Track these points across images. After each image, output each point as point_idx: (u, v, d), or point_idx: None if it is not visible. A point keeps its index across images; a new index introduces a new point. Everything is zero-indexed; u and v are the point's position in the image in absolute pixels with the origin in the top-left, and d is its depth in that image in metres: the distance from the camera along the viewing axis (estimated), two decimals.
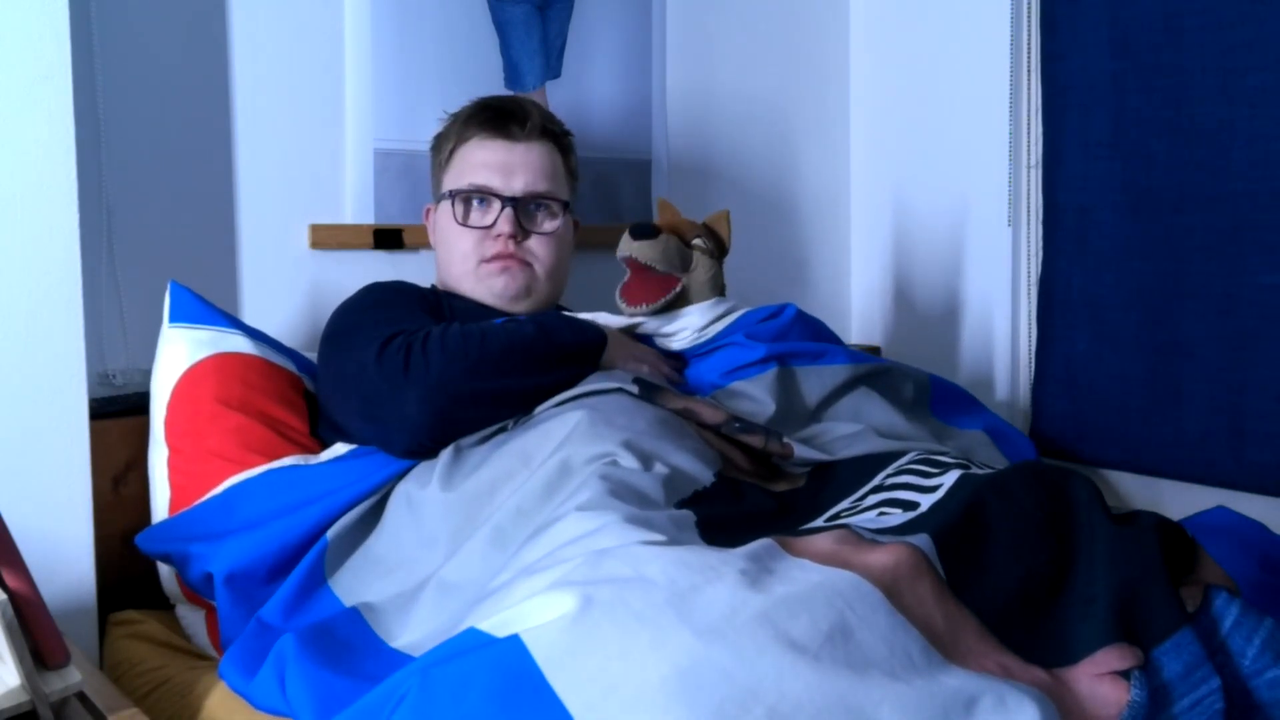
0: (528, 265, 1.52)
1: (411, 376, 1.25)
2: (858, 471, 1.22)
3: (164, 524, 1.31)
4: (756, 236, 2.09)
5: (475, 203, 1.52)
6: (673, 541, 0.93)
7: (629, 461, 1.12)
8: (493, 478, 1.19)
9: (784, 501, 1.21)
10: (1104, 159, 1.85)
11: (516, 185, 1.51)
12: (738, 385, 1.39)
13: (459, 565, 1.11)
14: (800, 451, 1.26)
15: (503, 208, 1.50)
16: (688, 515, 1.06)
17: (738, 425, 1.27)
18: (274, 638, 1.12)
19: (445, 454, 1.25)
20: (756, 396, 1.37)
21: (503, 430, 1.28)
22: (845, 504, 1.15)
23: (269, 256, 1.64)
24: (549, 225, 1.54)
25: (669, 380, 1.40)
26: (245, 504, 1.27)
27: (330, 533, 1.23)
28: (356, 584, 1.20)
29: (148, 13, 1.53)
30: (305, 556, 1.21)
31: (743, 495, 1.18)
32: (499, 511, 1.13)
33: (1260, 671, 0.88)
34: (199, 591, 1.27)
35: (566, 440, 1.16)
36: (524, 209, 1.52)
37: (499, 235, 1.50)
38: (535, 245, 1.53)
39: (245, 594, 1.21)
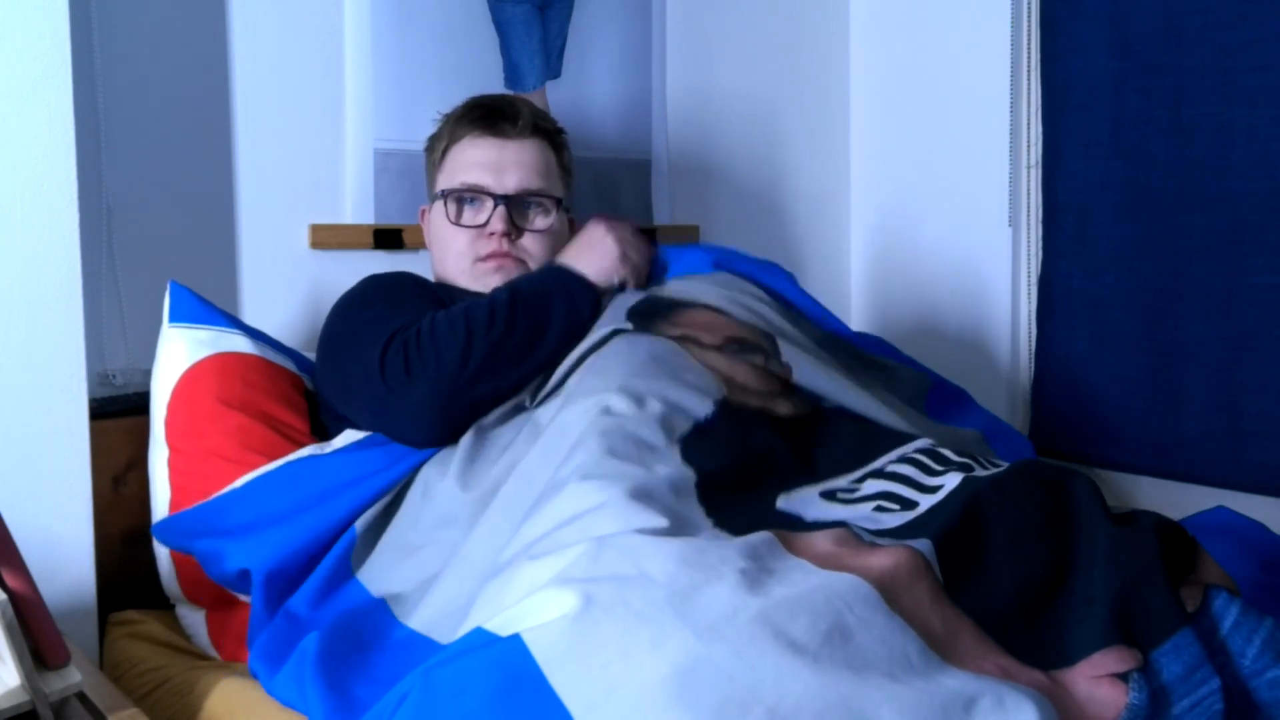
0: (522, 263, 1.51)
1: (414, 377, 1.25)
2: (860, 446, 1.21)
3: (183, 516, 1.30)
4: (755, 236, 2.09)
5: (468, 202, 1.51)
6: (673, 516, 0.94)
7: (624, 406, 1.12)
8: (511, 460, 1.19)
9: (786, 434, 1.20)
10: (1104, 159, 1.85)
11: (509, 183, 1.50)
12: (724, 276, 1.45)
13: (475, 541, 1.11)
14: (800, 376, 1.26)
15: (495, 206, 1.50)
16: (689, 477, 1.05)
17: (735, 347, 1.27)
18: (300, 629, 1.13)
19: (466, 439, 1.25)
20: (751, 290, 1.43)
21: (521, 408, 1.29)
22: (843, 482, 1.14)
23: (269, 256, 1.64)
24: (541, 222, 1.53)
25: (641, 273, 1.45)
26: (268, 497, 1.26)
27: (358, 524, 1.23)
28: (383, 573, 1.20)
29: (148, 13, 1.53)
30: (333, 548, 1.21)
31: (747, 429, 1.17)
32: (506, 483, 1.13)
33: (1260, 672, 0.88)
34: (230, 586, 1.26)
35: (577, 440, 1.16)
36: (517, 207, 1.51)
37: (492, 234, 1.49)
38: (529, 243, 1.52)
39: (280, 591, 1.21)
